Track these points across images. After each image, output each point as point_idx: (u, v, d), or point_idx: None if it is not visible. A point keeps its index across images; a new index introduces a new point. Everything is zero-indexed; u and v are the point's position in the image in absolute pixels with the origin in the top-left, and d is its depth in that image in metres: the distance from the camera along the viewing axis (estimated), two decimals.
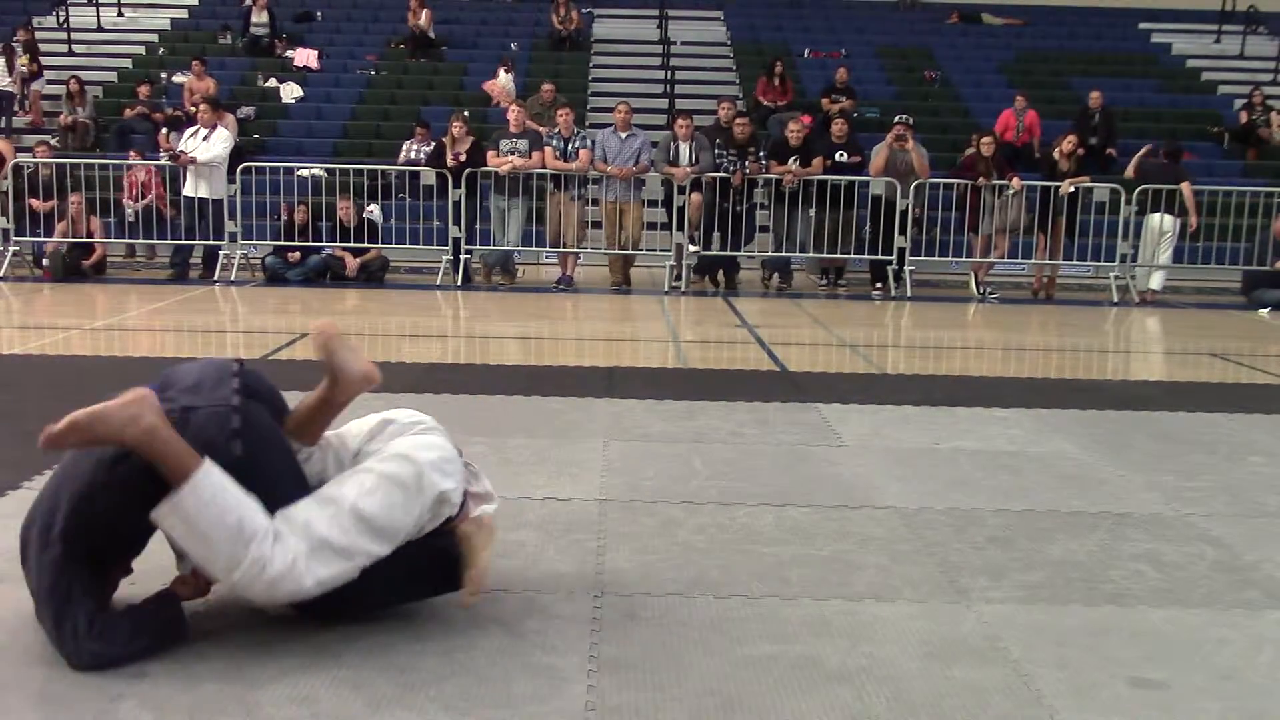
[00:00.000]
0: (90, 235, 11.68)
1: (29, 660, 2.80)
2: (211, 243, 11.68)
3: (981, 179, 11.70)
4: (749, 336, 8.77)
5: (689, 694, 2.72)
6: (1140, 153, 12.56)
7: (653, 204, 12.18)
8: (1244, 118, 15.94)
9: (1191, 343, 9.53)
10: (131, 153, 13.10)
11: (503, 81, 16.20)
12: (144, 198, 12.23)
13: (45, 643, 2.89)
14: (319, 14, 19.58)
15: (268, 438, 2.86)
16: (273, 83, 16.83)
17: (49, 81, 16.33)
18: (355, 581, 2.84)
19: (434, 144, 12.41)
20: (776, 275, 12.04)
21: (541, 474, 4.52)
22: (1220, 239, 12.23)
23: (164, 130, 14.21)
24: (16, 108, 16.09)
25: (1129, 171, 12.27)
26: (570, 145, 11.61)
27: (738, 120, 11.89)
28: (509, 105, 12.54)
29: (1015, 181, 11.67)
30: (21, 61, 15.97)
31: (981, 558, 3.72)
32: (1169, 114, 16.84)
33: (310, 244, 11.65)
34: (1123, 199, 11.99)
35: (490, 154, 11.56)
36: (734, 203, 11.47)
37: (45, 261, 11.48)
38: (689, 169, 11.44)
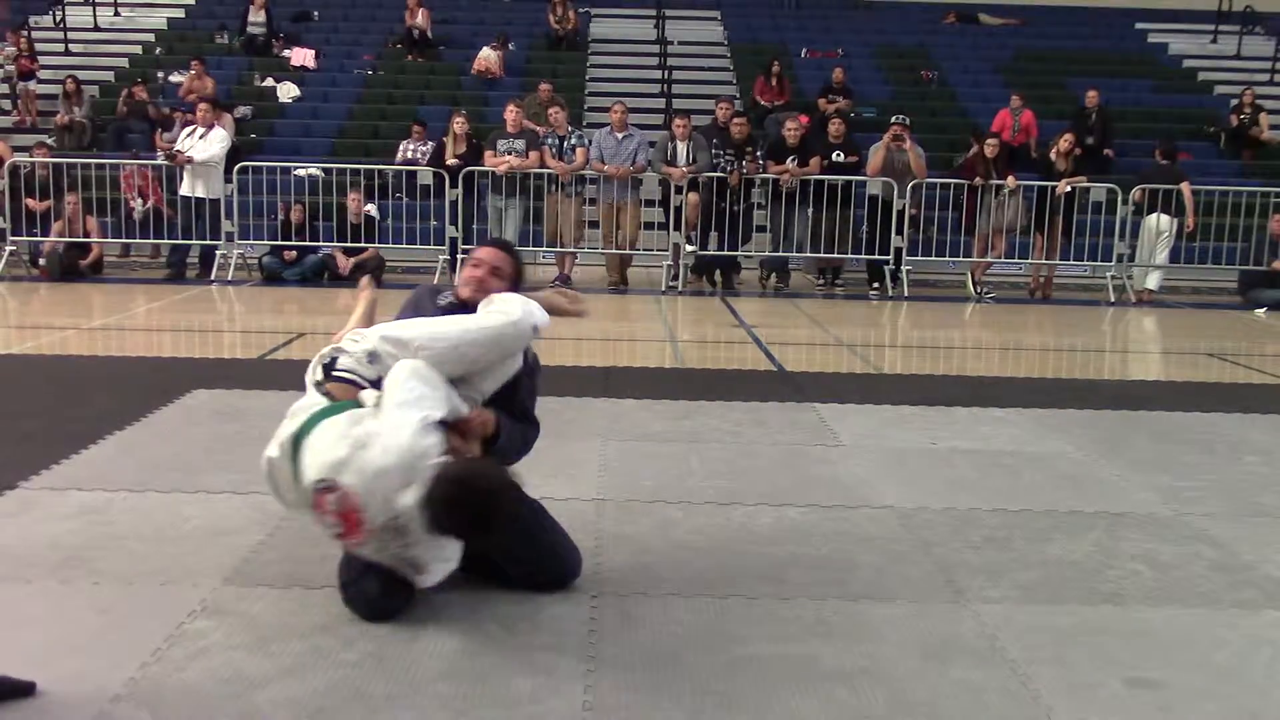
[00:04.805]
0: (87, 235, 11.65)
1: (29, 660, 2.80)
2: (208, 242, 11.66)
3: (978, 179, 11.70)
4: (746, 336, 8.76)
5: (686, 694, 2.72)
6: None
7: (650, 204, 12.15)
8: (1234, 120, 15.91)
9: (1188, 342, 9.53)
10: (134, 153, 13.06)
11: (484, 54, 16.31)
12: (147, 198, 12.17)
13: (44, 643, 2.89)
14: (316, 13, 19.55)
15: None
16: (270, 82, 16.78)
17: (46, 81, 16.28)
18: None
19: (432, 144, 12.41)
20: (774, 275, 12.02)
21: (538, 474, 4.49)
22: (1217, 239, 12.21)
23: (159, 130, 14.17)
24: (11, 107, 16.05)
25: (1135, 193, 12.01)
26: (567, 144, 11.60)
27: (735, 120, 11.86)
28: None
29: (1011, 180, 11.67)
30: (17, 60, 15.92)
31: (979, 557, 3.72)
32: (1165, 114, 16.81)
33: (307, 243, 11.64)
34: (1119, 199, 11.98)
35: (488, 154, 11.55)
36: (731, 202, 11.46)
37: (42, 261, 11.45)
38: (686, 169, 11.43)
